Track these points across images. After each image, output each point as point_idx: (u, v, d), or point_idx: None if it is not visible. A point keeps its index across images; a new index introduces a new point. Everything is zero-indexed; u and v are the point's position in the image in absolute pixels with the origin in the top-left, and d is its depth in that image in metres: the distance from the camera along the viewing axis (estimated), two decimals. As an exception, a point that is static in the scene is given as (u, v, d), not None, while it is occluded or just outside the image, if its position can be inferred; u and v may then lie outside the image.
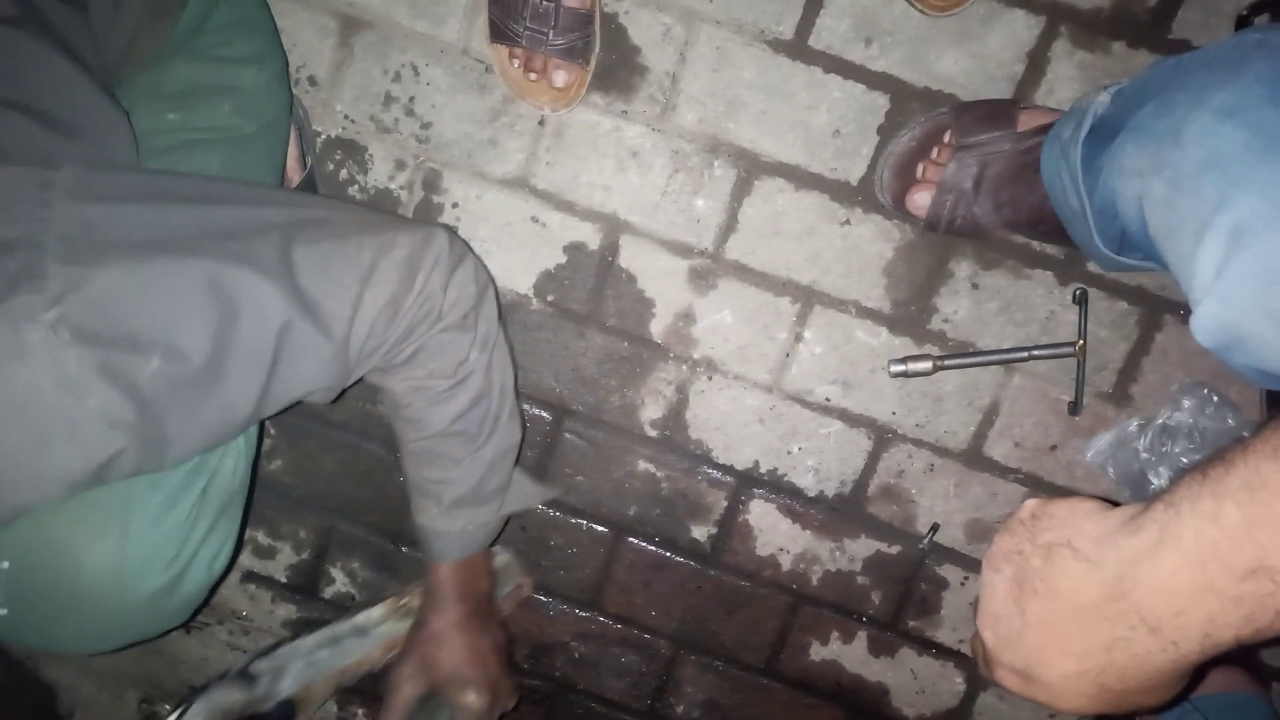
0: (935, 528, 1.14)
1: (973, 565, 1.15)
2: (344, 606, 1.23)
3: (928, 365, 1.05)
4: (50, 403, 0.60)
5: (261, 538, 1.23)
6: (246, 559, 1.24)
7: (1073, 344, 1.03)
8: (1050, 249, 1.03)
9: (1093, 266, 1.03)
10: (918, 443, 1.11)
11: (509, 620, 1.17)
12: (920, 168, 0.97)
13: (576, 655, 1.25)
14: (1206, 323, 0.56)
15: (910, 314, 1.06)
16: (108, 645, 0.81)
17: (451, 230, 0.83)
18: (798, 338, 1.09)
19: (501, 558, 1.16)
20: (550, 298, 1.10)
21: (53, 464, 0.62)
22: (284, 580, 1.25)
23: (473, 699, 0.99)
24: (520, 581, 1.18)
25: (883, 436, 1.11)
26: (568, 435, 1.15)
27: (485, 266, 0.87)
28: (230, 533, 0.84)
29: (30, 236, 0.59)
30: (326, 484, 1.20)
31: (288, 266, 0.67)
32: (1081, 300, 1.03)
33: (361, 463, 1.19)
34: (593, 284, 1.09)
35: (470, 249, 0.84)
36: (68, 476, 0.63)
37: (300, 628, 1.24)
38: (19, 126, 0.66)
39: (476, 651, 1.00)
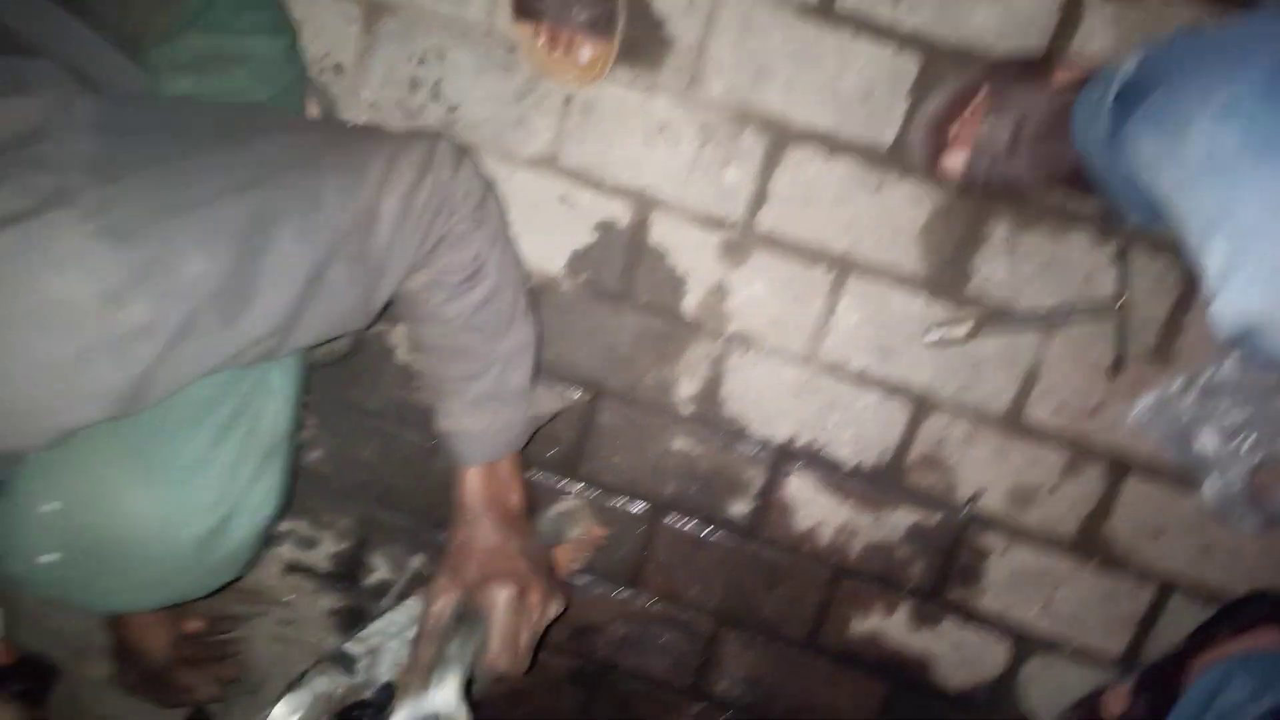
0: (976, 495, 1.13)
1: (1015, 533, 1.14)
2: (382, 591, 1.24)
3: (965, 330, 1.04)
4: (91, 313, 0.61)
5: (303, 528, 1.24)
6: (289, 550, 1.25)
7: (1114, 302, 1.02)
8: (1089, 206, 1.01)
9: (1133, 222, 1.01)
10: (957, 409, 1.10)
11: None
12: (954, 128, 0.96)
13: (618, 635, 1.25)
14: (1222, 317, 0.58)
15: (947, 279, 1.05)
16: (158, 597, 0.81)
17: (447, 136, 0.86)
18: (832, 307, 1.08)
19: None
20: (582, 277, 1.10)
21: (95, 378, 0.64)
22: (326, 570, 1.26)
23: (502, 596, 0.92)
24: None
25: (921, 404, 1.10)
26: (603, 414, 1.15)
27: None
28: (275, 483, 0.85)
29: (60, 157, 0.61)
30: (365, 473, 1.21)
31: (311, 179, 0.70)
32: (1122, 257, 1.02)
33: (399, 451, 1.19)
34: (624, 262, 1.09)
35: (468, 152, 0.86)
36: (110, 391, 0.65)
37: (354, 616, 1.26)
38: (46, 69, 0.69)
39: (504, 552, 0.95)
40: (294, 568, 1.26)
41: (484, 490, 0.96)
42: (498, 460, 0.96)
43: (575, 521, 1.15)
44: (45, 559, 0.75)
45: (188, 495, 0.76)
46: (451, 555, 0.95)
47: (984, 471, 1.12)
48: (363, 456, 1.20)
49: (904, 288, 1.06)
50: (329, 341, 1.09)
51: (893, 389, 1.10)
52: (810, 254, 1.06)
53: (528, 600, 0.94)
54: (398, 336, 1.15)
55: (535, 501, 1.12)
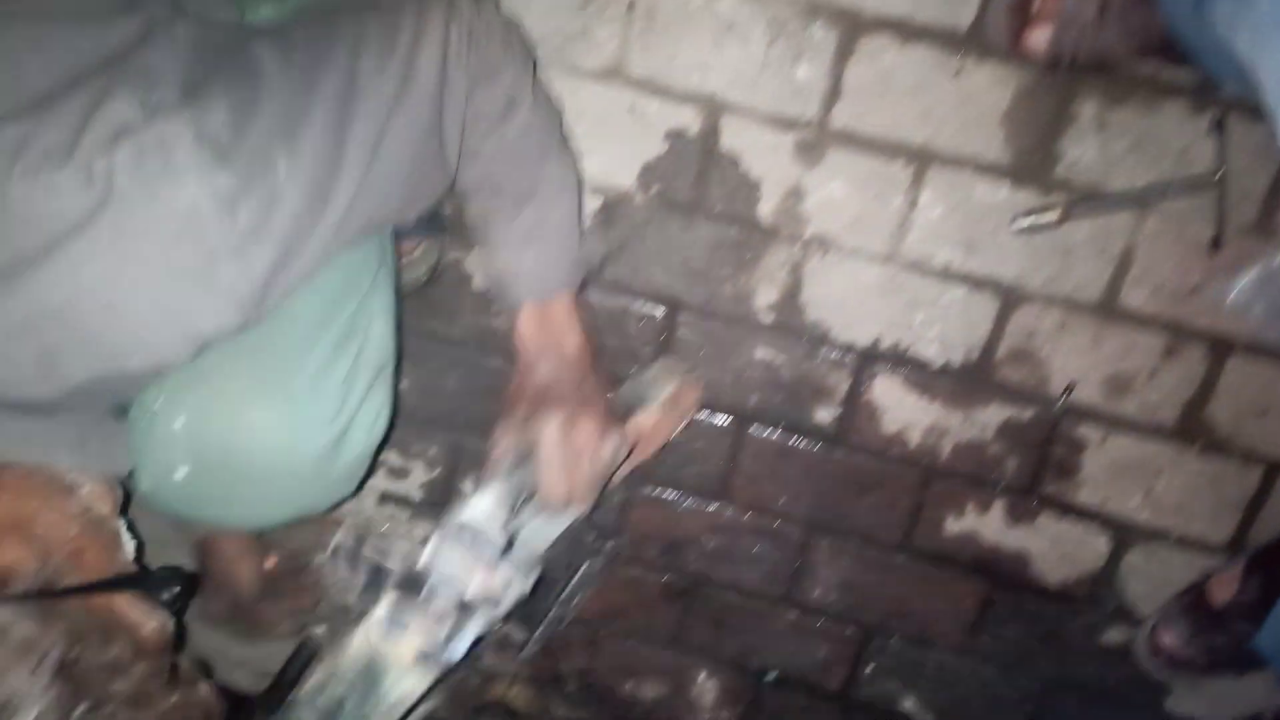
0: (1071, 387, 1.10)
1: (1112, 422, 1.11)
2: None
3: (1054, 216, 1.01)
4: (212, 222, 0.65)
5: (394, 458, 1.26)
6: (381, 480, 1.28)
7: (1211, 176, 0.98)
8: (1182, 76, 0.97)
9: (1230, 89, 0.96)
10: (1048, 299, 1.07)
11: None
12: (1037, 3, 0.92)
13: (709, 548, 1.26)
14: None
15: (1033, 164, 1.02)
16: (282, 511, 0.86)
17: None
18: (914, 202, 1.05)
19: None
20: (653, 190, 1.09)
21: (223, 282, 0.68)
22: (420, 499, 1.29)
23: (548, 424, 0.91)
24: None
25: (1010, 297, 1.08)
26: (682, 328, 1.15)
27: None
28: (385, 399, 0.88)
29: (161, 71, 0.65)
30: (451, 402, 1.23)
31: (348, 58, 0.73)
32: (1219, 127, 0.97)
33: (482, 378, 1.20)
34: (696, 171, 1.07)
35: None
36: (238, 293, 0.69)
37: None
38: None
39: (555, 388, 0.94)
40: (388, 497, 1.29)
41: (538, 332, 0.95)
42: (551, 303, 0.96)
43: (665, 382, 1.11)
44: (177, 475, 0.78)
45: (307, 410, 0.79)
46: (508, 399, 0.96)
47: (1078, 362, 1.09)
48: (447, 385, 1.22)
49: (988, 176, 1.03)
50: (413, 267, 1.10)
51: (979, 283, 1.08)
52: (888, 148, 1.03)
53: (577, 429, 0.92)
54: (474, 264, 1.15)
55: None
